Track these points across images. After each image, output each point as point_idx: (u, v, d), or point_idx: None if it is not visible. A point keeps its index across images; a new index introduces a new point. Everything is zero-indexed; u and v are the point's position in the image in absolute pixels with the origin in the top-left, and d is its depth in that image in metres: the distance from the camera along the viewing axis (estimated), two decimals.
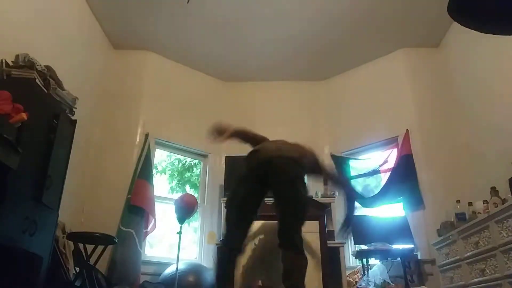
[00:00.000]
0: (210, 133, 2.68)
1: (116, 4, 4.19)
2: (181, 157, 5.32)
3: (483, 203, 3.07)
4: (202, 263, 4.39)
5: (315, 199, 4.16)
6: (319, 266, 3.60)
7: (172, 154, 5.20)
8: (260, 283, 3.63)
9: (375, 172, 4.63)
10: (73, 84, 3.46)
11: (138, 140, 4.51)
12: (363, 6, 4.16)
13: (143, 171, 4.28)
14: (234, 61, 5.12)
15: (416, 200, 4.12)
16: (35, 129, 2.51)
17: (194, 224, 4.91)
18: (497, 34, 2.34)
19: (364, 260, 3.74)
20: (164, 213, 4.51)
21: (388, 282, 3.60)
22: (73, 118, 3.19)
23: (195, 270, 3.96)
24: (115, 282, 3.63)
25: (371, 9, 4.20)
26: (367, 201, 4.47)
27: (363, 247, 3.78)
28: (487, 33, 2.26)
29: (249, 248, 3.75)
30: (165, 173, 5.35)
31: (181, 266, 3.75)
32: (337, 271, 3.76)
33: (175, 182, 5.40)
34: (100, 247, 3.21)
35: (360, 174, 4.75)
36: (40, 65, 2.92)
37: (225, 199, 4.28)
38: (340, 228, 2.74)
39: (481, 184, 3.38)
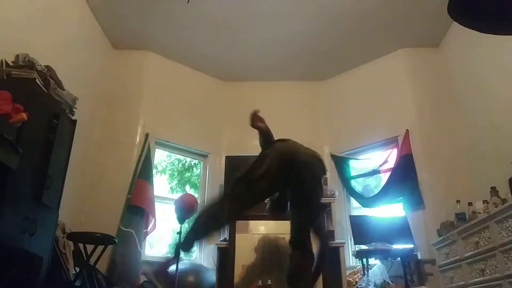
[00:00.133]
0: (252, 116, 2.63)
1: (116, 4, 4.19)
2: (181, 157, 5.33)
3: (483, 203, 3.06)
4: (202, 263, 4.39)
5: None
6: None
7: (172, 154, 5.20)
8: (260, 283, 3.64)
9: (375, 172, 4.63)
10: (73, 84, 3.46)
11: (138, 140, 4.51)
12: (363, 6, 4.16)
13: (143, 171, 4.28)
14: (234, 61, 5.12)
15: (416, 200, 4.11)
16: (35, 129, 2.51)
17: None
18: (497, 34, 2.34)
19: (364, 260, 3.73)
20: (164, 213, 4.51)
21: (388, 282, 3.60)
22: (73, 118, 3.19)
23: (195, 270, 3.96)
24: (115, 282, 3.63)
25: (371, 9, 4.20)
26: (367, 201, 4.47)
27: (363, 247, 3.77)
28: (487, 33, 2.26)
29: (249, 248, 3.75)
30: (165, 173, 5.36)
31: (181, 266, 3.75)
32: (337, 271, 3.76)
33: (175, 182, 5.41)
34: (100, 247, 3.21)
35: (360, 174, 4.75)
36: (40, 65, 2.92)
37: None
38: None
39: (481, 184, 3.38)
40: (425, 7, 4.08)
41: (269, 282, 3.62)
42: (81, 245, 3.19)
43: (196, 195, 4.74)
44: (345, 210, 4.68)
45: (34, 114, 2.42)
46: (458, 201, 3.44)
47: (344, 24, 4.42)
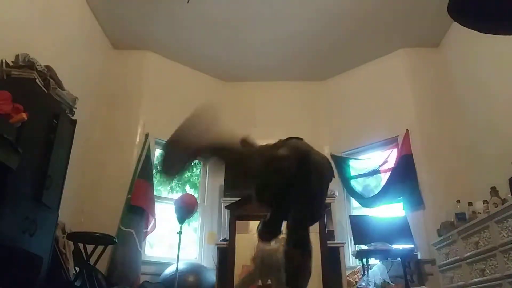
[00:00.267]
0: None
1: (116, 4, 4.19)
2: None
3: (483, 203, 3.07)
4: (202, 263, 4.39)
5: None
6: (319, 266, 3.60)
7: None
8: (260, 283, 3.64)
9: (375, 172, 4.63)
10: (73, 84, 3.47)
11: (138, 140, 4.51)
12: (363, 7, 4.16)
13: (143, 171, 4.28)
14: (234, 61, 5.12)
15: (416, 200, 4.12)
16: (35, 129, 2.51)
17: (194, 224, 4.91)
18: (497, 34, 2.34)
19: (364, 260, 3.73)
20: (164, 213, 4.50)
21: (388, 282, 3.60)
22: (73, 118, 3.19)
23: (195, 270, 3.96)
24: (115, 282, 3.63)
25: (371, 9, 4.20)
26: (367, 201, 4.47)
27: (363, 247, 3.77)
28: (487, 33, 2.26)
29: (249, 248, 3.75)
30: None
31: (181, 266, 3.75)
32: (337, 271, 3.76)
33: (175, 182, 5.40)
34: (100, 247, 3.21)
35: (360, 174, 4.75)
36: (40, 65, 2.92)
37: (225, 199, 4.32)
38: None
39: (481, 184, 3.38)
40: (425, 7, 4.08)
41: (269, 282, 3.62)
42: (81, 245, 3.19)
43: (196, 195, 4.73)
44: (345, 210, 4.68)
45: (34, 114, 2.42)
46: (458, 201, 3.45)
47: (344, 24, 4.42)
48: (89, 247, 3.18)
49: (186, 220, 3.98)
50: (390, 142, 4.63)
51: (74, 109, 3.30)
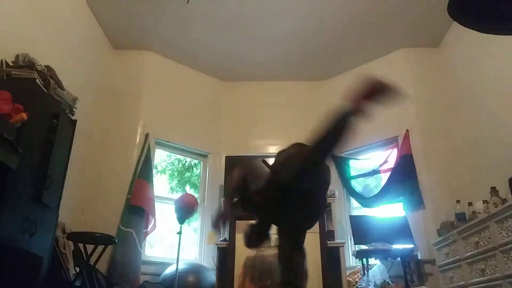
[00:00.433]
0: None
1: (116, 4, 4.19)
2: (181, 157, 5.32)
3: (483, 203, 3.07)
4: (202, 263, 4.39)
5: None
6: (319, 266, 3.61)
7: (172, 154, 5.20)
8: (260, 283, 3.63)
9: (375, 172, 4.63)
10: (73, 84, 3.47)
11: (138, 140, 4.51)
12: (363, 6, 4.16)
13: (143, 171, 4.28)
14: (234, 61, 5.12)
15: (416, 200, 4.11)
16: (35, 129, 2.51)
17: (194, 224, 4.91)
18: (497, 34, 2.34)
19: (364, 260, 3.73)
20: (164, 213, 4.51)
21: (388, 282, 3.60)
22: (73, 118, 3.20)
23: (195, 270, 3.96)
24: (115, 282, 3.63)
25: (371, 9, 4.20)
26: (367, 201, 4.46)
27: (363, 247, 3.77)
28: (487, 33, 2.27)
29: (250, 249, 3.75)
30: (165, 173, 5.35)
31: (181, 266, 3.75)
32: (337, 271, 3.77)
33: (175, 182, 5.41)
34: (100, 247, 3.21)
35: (360, 174, 4.75)
36: (40, 65, 2.92)
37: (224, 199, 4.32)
38: None
39: (481, 184, 3.38)
40: (425, 7, 4.08)
41: (268, 282, 3.62)
42: (81, 245, 3.19)
43: (196, 195, 4.74)
44: (345, 210, 4.68)
45: (34, 114, 2.42)
46: (458, 201, 3.44)
47: (344, 24, 4.42)
48: (89, 247, 3.19)
49: (186, 220, 3.98)
50: (390, 142, 4.63)
51: (74, 109, 3.30)
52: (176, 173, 5.43)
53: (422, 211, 4.08)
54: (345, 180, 4.73)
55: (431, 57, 4.71)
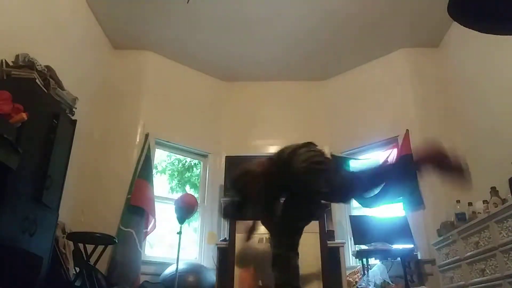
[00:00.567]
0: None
1: (116, 4, 4.19)
2: (181, 157, 5.33)
3: (483, 203, 3.07)
4: (202, 263, 4.39)
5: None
6: (319, 266, 3.60)
7: (172, 154, 5.20)
8: (260, 283, 3.63)
9: None
10: (73, 84, 3.47)
11: (138, 140, 4.51)
12: (363, 7, 4.16)
13: (143, 171, 4.28)
14: (234, 61, 5.12)
15: (416, 200, 4.11)
16: (35, 129, 2.51)
17: (194, 224, 4.92)
18: (497, 34, 2.34)
19: (364, 260, 3.73)
20: (164, 213, 4.51)
21: (388, 282, 3.60)
22: (73, 118, 3.20)
23: (195, 270, 3.96)
24: (115, 282, 3.63)
25: (371, 9, 4.19)
26: (367, 201, 4.46)
27: (363, 247, 3.77)
28: (487, 33, 2.27)
29: (249, 249, 3.75)
30: (165, 173, 5.36)
31: (181, 266, 3.75)
32: (337, 271, 3.76)
33: (175, 182, 5.41)
34: (100, 247, 3.21)
35: None
36: (40, 65, 2.93)
37: (225, 199, 4.33)
38: None
39: (481, 184, 3.38)
40: (425, 7, 4.08)
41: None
42: (81, 245, 3.19)
43: (196, 195, 4.74)
44: (345, 210, 4.68)
45: (34, 114, 2.42)
46: (458, 201, 3.44)
47: (344, 24, 4.42)
48: (89, 247, 3.18)
49: (186, 220, 3.98)
50: (390, 142, 4.63)
51: (74, 109, 3.30)
52: (176, 173, 5.44)
53: (422, 211, 4.08)
54: None
55: (431, 57, 4.71)
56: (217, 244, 4.04)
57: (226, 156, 4.74)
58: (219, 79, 5.46)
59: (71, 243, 3.25)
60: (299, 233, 2.26)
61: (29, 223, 2.38)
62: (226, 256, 3.78)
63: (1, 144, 1.98)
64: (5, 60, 2.73)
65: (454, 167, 1.80)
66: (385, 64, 4.92)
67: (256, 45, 4.81)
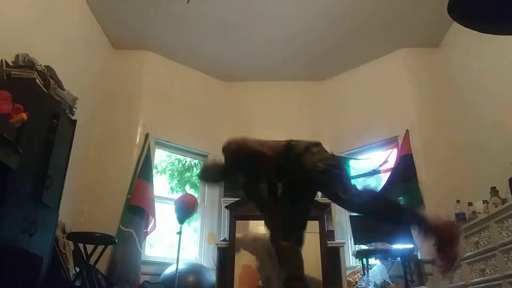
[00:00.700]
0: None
1: (116, 4, 4.19)
2: (181, 157, 5.32)
3: (483, 203, 3.07)
4: (202, 263, 4.39)
5: (316, 199, 4.15)
6: (319, 266, 3.60)
7: (172, 154, 5.20)
8: (260, 283, 3.64)
9: (375, 172, 4.62)
10: (73, 84, 3.46)
11: (138, 140, 4.51)
12: (363, 6, 4.16)
13: (143, 171, 4.28)
14: (234, 61, 5.12)
15: (416, 200, 4.11)
16: (35, 129, 2.51)
17: (194, 224, 4.91)
18: (497, 34, 2.34)
19: (364, 260, 3.73)
20: (164, 213, 4.51)
21: (388, 282, 3.60)
22: (73, 118, 3.19)
23: (195, 270, 3.96)
24: (115, 282, 3.63)
25: (371, 9, 4.20)
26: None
27: (363, 247, 3.77)
28: (487, 33, 2.27)
29: (250, 248, 3.75)
30: (165, 173, 5.35)
31: (181, 266, 3.75)
32: (337, 271, 3.76)
33: (175, 182, 5.41)
34: (100, 247, 3.21)
35: (360, 174, 4.74)
36: (40, 65, 2.92)
37: (225, 199, 4.33)
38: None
39: (481, 184, 3.38)
40: (425, 7, 4.08)
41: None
42: (81, 245, 3.19)
43: (196, 195, 4.74)
44: (345, 210, 4.67)
45: (34, 114, 2.42)
46: (458, 201, 3.45)
47: (344, 24, 4.42)
48: (89, 247, 3.18)
49: (186, 220, 3.98)
50: (390, 142, 4.63)
51: (74, 109, 3.30)
52: (176, 173, 5.43)
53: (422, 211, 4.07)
54: None
55: (431, 57, 4.71)
56: (217, 244, 4.04)
57: None
58: (219, 79, 5.46)
59: (71, 243, 3.25)
60: (303, 227, 2.30)
61: (29, 223, 2.38)
62: (226, 256, 3.78)
63: (1, 144, 1.98)
64: (5, 60, 2.73)
65: (453, 254, 1.80)
66: (385, 64, 4.92)
67: (256, 45, 4.81)
